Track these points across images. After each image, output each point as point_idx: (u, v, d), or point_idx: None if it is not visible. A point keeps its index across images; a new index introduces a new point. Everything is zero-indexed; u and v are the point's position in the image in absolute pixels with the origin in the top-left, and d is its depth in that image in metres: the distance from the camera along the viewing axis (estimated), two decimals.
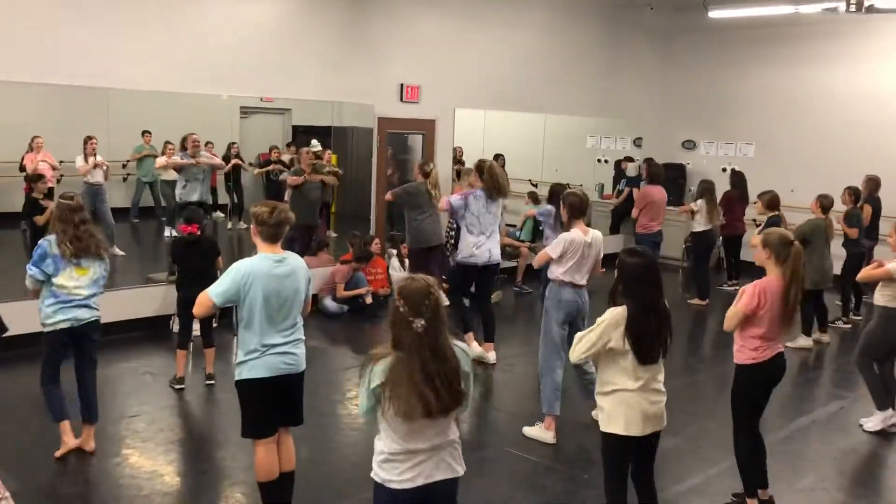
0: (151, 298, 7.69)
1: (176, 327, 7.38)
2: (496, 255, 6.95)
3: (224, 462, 5.01)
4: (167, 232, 9.11)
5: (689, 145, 12.87)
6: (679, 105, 12.79)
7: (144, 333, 7.49)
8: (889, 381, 5.81)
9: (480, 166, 6.87)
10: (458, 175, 9.56)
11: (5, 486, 3.59)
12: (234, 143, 9.91)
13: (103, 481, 4.68)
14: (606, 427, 3.65)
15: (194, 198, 8.37)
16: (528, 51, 10.92)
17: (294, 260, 3.94)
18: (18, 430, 5.22)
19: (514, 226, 10.40)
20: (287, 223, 3.89)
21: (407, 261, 9.10)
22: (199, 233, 6.25)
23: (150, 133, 8.85)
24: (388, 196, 8.36)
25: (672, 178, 12.30)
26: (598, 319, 3.61)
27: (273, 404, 3.92)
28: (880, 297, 5.65)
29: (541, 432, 5.36)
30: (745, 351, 4.27)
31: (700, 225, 9.82)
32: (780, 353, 4.30)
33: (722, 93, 12.32)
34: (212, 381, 6.26)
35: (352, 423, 5.79)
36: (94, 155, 8.22)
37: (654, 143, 12.66)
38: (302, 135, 10.48)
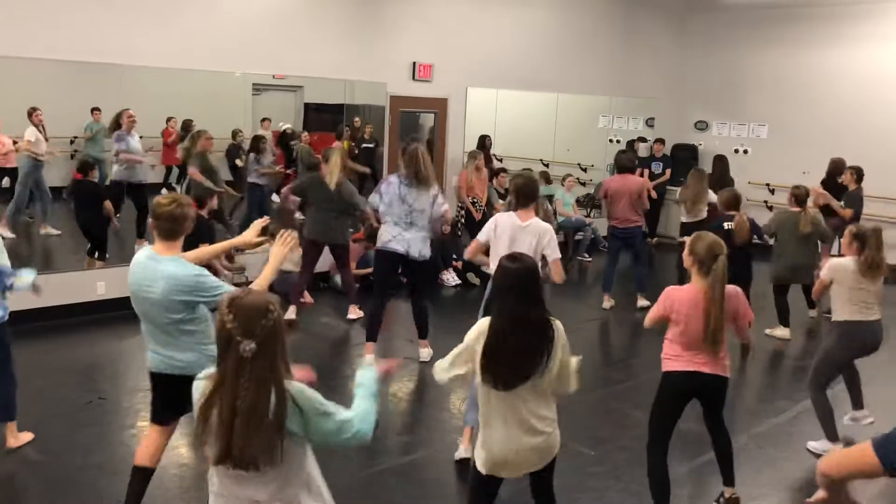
0: None
1: None
2: (416, 250, 6.18)
3: None
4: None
5: (702, 126, 12.82)
6: (692, 85, 12.73)
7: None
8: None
9: (403, 149, 6.24)
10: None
11: None
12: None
13: (118, 452, 4.78)
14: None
15: (136, 179, 8.15)
16: (541, 30, 10.87)
17: (164, 266, 3.54)
18: (35, 401, 5.32)
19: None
20: (183, 219, 3.59)
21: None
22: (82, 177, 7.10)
23: (99, 110, 8.60)
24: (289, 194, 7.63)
25: (683, 159, 12.30)
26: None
27: (166, 398, 3.83)
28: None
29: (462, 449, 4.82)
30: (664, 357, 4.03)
31: (686, 216, 9.02)
32: (701, 371, 3.92)
33: (736, 73, 12.25)
34: None
35: None
36: (42, 126, 7.74)
37: (667, 124, 12.63)
38: (313, 112, 10.49)
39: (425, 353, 6.57)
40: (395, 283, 6.79)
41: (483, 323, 3.18)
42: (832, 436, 5.13)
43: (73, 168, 7.68)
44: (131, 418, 5.27)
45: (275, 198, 9.40)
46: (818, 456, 5.11)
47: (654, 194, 9.31)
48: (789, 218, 7.45)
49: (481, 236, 5.10)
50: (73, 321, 6.97)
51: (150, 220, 3.64)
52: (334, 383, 5.99)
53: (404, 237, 6.16)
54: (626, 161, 8.71)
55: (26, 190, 7.83)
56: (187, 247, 3.81)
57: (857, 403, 5.46)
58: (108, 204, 7.51)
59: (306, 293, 7.97)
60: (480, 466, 3.25)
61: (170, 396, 3.77)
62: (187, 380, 3.24)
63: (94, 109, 8.39)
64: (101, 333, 6.65)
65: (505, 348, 3.06)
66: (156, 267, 3.56)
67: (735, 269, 4.32)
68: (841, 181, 8.99)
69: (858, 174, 8.68)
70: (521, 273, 3.13)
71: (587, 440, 5.12)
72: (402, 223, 6.14)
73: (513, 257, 3.24)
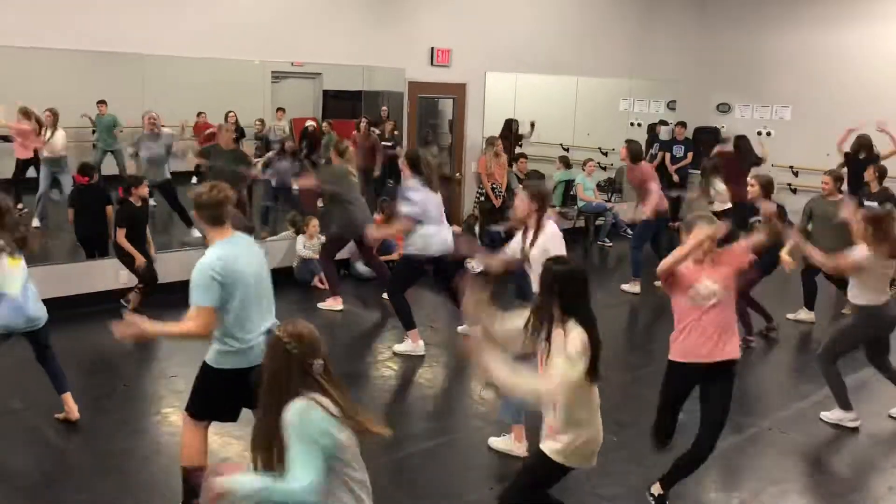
0: (188, 261, 7.81)
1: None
2: (451, 242, 6.31)
3: None
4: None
5: (724, 108, 12.66)
6: (714, 67, 12.54)
7: (181, 296, 7.60)
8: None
9: (415, 158, 6.31)
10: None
11: None
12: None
13: (144, 439, 4.83)
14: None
15: (159, 179, 8.14)
16: (559, 12, 10.78)
17: (252, 240, 3.86)
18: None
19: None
20: (226, 202, 3.64)
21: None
22: (87, 181, 7.01)
23: (105, 103, 8.59)
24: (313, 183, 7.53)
25: (706, 142, 12.13)
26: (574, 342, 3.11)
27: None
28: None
29: (509, 444, 4.73)
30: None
31: (721, 203, 8.43)
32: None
33: (758, 54, 12.06)
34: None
35: (383, 384, 5.91)
36: (55, 126, 7.64)
37: (688, 106, 12.47)
38: (332, 99, 10.49)
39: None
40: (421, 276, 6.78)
41: (581, 329, 3.12)
42: (845, 405, 5.27)
43: (75, 171, 7.29)
44: (156, 405, 5.33)
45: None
46: (834, 426, 5.25)
47: (675, 177, 9.22)
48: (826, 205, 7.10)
49: (558, 248, 4.49)
50: (95, 309, 7.02)
51: (192, 212, 3.67)
52: (354, 370, 6.01)
53: (443, 235, 6.24)
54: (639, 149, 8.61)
55: (45, 181, 7.94)
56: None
57: None
58: (110, 209, 7.14)
59: (324, 279, 7.96)
60: (568, 461, 3.31)
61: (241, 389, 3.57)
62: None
63: (100, 102, 8.41)
64: None
65: (598, 345, 3.17)
66: (252, 242, 3.80)
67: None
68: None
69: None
70: (581, 273, 3.25)
71: (609, 425, 5.01)
72: (435, 221, 6.21)
73: (562, 260, 3.35)
